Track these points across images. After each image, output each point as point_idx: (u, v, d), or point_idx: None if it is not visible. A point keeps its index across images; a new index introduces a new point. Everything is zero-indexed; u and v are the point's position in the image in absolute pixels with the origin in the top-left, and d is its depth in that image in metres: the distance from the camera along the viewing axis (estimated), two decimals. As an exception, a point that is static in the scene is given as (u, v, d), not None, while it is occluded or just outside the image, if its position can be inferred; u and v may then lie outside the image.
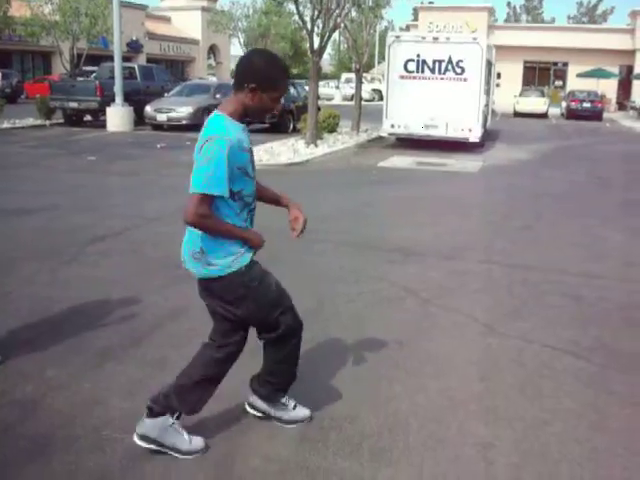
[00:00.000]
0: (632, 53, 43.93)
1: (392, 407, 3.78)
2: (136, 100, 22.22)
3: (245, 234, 3.05)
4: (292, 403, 3.57)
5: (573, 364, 4.43)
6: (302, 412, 3.58)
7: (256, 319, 3.19)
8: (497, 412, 3.74)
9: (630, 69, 44.56)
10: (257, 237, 3.09)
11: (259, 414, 3.57)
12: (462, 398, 3.90)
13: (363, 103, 23.12)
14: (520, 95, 36.94)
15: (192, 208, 2.85)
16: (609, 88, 43.75)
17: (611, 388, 4.09)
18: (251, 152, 3.07)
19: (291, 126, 21.65)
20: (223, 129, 2.89)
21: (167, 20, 57.70)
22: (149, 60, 46.66)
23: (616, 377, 4.25)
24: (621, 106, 45.11)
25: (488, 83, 19.55)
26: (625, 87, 45.75)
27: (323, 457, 3.26)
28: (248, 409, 3.62)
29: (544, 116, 35.49)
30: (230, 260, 3.02)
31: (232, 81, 3.11)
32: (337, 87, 48.10)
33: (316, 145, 16.90)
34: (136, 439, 3.25)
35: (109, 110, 21.47)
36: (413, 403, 3.82)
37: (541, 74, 49.32)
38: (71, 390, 3.89)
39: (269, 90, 2.96)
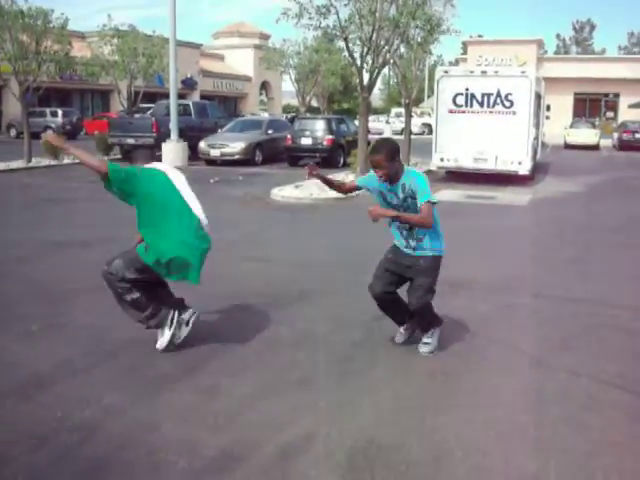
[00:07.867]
0: (684, 82, 43.23)
1: (438, 437, 3.84)
2: (190, 136, 22.75)
3: None
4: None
5: (620, 398, 4.42)
6: None
7: None
8: (542, 444, 3.77)
9: (681, 99, 43.73)
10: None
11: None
12: (507, 429, 3.94)
13: (413, 137, 23.26)
14: (570, 127, 36.53)
15: None
16: (662, 119, 43.03)
17: (659, 422, 4.08)
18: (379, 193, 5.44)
19: (342, 160, 21.82)
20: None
21: (220, 58, 59.21)
22: (203, 97, 47.76)
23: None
24: (674, 137, 44.25)
25: (537, 116, 19.48)
26: (677, 117, 44.95)
27: (369, 484, 3.34)
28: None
29: (595, 148, 34.96)
30: None
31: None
32: (387, 121, 48.38)
33: (366, 179, 17.01)
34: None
35: (164, 146, 22.01)
36: (458, 434, 3.88)
37: (592, 105, 48.76)
38: (128, 416, 4.07)
39: None
